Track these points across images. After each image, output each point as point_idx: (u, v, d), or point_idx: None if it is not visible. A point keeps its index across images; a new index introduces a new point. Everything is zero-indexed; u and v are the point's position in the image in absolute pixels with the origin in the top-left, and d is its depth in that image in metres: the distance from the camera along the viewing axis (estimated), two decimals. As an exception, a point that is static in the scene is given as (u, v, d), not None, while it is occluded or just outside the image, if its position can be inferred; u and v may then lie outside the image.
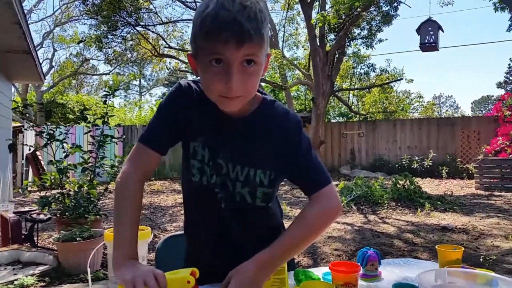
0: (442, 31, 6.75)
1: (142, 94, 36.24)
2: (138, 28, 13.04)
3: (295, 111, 14.15)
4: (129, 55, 18.24)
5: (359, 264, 1.15)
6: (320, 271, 1.27)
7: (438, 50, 6.94)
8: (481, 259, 4.13)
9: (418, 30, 6.74)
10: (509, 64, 35.01)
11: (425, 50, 6.93)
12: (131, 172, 1.20)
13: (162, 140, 1.22)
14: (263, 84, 13.85)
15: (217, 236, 1.25)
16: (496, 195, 8.67)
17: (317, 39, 11.59)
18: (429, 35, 6.54)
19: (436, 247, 1.29)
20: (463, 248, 1.26)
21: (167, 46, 14.20)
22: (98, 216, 4.57)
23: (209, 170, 1.19)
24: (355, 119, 16.99)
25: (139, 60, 20.61)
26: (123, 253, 1.09)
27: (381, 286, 1.12)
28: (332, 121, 17.58)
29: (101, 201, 5.39)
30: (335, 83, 13.76)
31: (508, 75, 34.61)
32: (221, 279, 1.11)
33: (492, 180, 9.60)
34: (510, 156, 10.24)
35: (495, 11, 8.79)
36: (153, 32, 14.06)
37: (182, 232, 1.45)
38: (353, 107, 18.60)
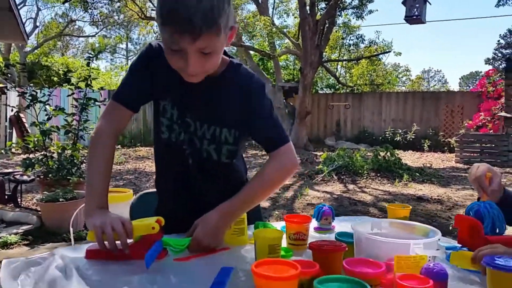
0: (429, 3, 6.75)
1: (129, 58, 35.59)
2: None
3: (283, 80, 14.14)
4: (116, 17, 17.82)
5: (311, 217, 1.26)
6: (280, 225, 1.37)
7: (424, 23, 6.96)
8: (450, 227, 4.34)
9: (404, 2, 6.75)
10: (498, 41, 35.15)
11: (411, 23, 6.95)
12: (104, 127, 1.28)
13: (134, 97, 1.29)
14: (251, 52, 13.76)
15: (185, 190, 1.35)
16: (474, 169, 8.95)
17: (307, 8, 11.46)
18: (415, 8, 6.56)
19: (386, 205, 1.41)
20: (410, 207, 1.38)
21: (154, 8, 13.90)
22: (81, 179, 4.64)
23: (177, 127, 1.27)
24: (342, 91, 17.05)
25: (126, 22, 20.16)
26: (94, 202, 1.18)
27: (331, 236, 1.23)
28: (320, 92, 17.61)
29: (84, 164, 5.45)
30: (324, 53, 13.72)
31: (496, 52, 34.78)
32: (187, 230, 1.21)
33: (472, 154, 9.85)
34: (491, 131, 10.49)
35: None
36: (140, -7, 13.73)
37: (155, 190, 1.54)
38: (341, 78, 18.62)
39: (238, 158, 1.39)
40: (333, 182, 7.04)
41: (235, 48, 13.95)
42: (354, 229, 0.94)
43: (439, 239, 0.94)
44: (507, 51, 32.37)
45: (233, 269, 0.99)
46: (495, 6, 13.62)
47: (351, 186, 6.74)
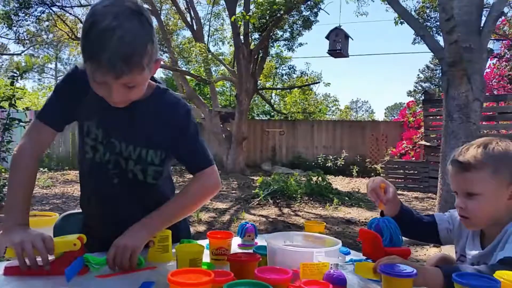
0: (352, 38, 7.33)
1: (58, 78, 34.02)
2: (54, 9, 12.28)
3: (220, 106, 14.30)
4: (45, 36, 17.08)
5: (232, 233, 1.34)
6: (206, 243, 1.43)
7: (347, 56, 7.50)
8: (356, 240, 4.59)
9: (327, 37, 7.28)
10: (418, 75, 38.35)
11: (335, 56, 7.46)
12: (26, 145, 1.29)
13: (57, 117, 1.31)
14: (187, 77, 13.81)
15: (109, 209, 1.36)
16: (399, 194, 9.30)
17: (241, 37, 11.82)
18: (337, 42, 7.08)
19: (303, 222, 1.52)
20: (324, 223, 1.51)
21: (87, 30, 13.57)
22: (2, 202, 4.35)
23: (102, 148, 1.30)
24: (277, 118, 17.57)
25: (55, 42, 19.36)
26: (13, 219, 1.17)
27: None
28: (256, 118, 18.01)
29: (6, 188, 5.11)
30: (258, 81, 14.14)
31: (417, 85, 37.86)
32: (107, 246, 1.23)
33: (396, 180, 10.42)
34: (413, 158, 11.24)
35: (396, 25, 9.63)
36: (70, 14, 13.32)
37: (80, 210, 1.54)
38: (275, 106, 19.22)
39: (165, 178, 1.43)
40: (269, 206, 7.17)
41: (171, 72, 13.92)
42: (268, 242, 1.03)
43: (340, 248, 1.05)
44: (426, 84, 35.36)
45: (154, 283, 1.03)
46: (412, 43, 14.95)
47: (285, 210, 6.91)
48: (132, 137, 1.30)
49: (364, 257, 1.28)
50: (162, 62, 1.27)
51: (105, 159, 1.30)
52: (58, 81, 1.47)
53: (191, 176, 1.39)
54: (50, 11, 12.35)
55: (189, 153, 1.35)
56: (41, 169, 10.83)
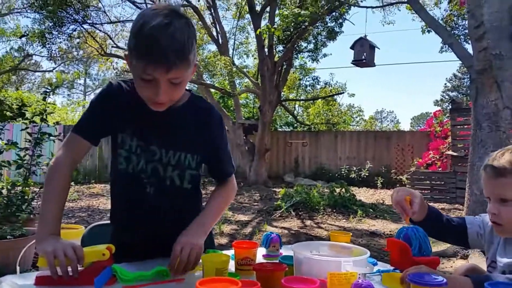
0: (378, 48, 7.28)
1: (87, 93, 35.01)
2: (85, 26, 12.71)
3: (243, 118, 14.40)
4: (75, 53, 17.65)
5: (257, 243, 1.33)
6: (231, 253, 1.43)
7: (372, 66, 7.45)
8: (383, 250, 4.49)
9: (352, 47, 7.26)
10: (445, 84, 37.62)
11: (361, 66, 7.41)
12: (62, 158, 1.33)
13: (93, 130, 1.37)
14: (212, 90, 13.98)
15: (141, 219, 1.39)
16: (425, 205, 9.30)
17: (266, 49, 11.91)
18: (362, 53, 7.06)
19: (326, 234, 1.51)
20: (351, 234, 1.48)
21: (114, 45, 13.95)
22: (31, 215, 4.47)
23: (136, 158, 1.35)
24: (300, 129, 17.52)
25: (85, 58, 19.98)
26: (47, 229, 1.21)
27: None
28: (279, 129, 18.01)
29: (37, 201, 5.26)
30: (282, 93, 14.17)
31: (444, 94, 37.13)
32: (142, 258, 1.28)
33: (422, 191, 10.20)
34: (439, 169, 11.00)
35: (423, 33, 9.54)
36: (100, 31, 13.73)
37: (108, 221, 1.57)
38: (298, 117, 19.18)
39: (197, 184, 1.48)
40: (291, 218, 7.12)
41: (196, 86, 14.14)
42: (294, 251, 1.03)
43: (367, 258, 1.04)
44: (453, 93, 34.65)
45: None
46: (439, 52, 14.74)
47: (308, 222, 6.84)
48: (172, 142, 1.36)
49: (392, 267, 1.25)
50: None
51: (138, 169, 1.35)
52: (93, 96, 1.54)
53: (212, 188, 1.52)
54: (82, 28, 12.79)
55: (220, 160, 1.46)
56: (69, 182, 11.08)
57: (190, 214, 1.37)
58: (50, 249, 1.09)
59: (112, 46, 14.29)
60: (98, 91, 1.46)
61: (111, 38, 13.81)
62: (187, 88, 1.41)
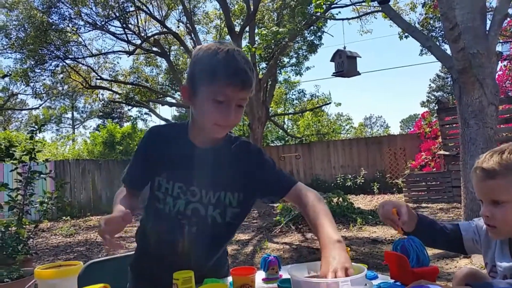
0: (359, 57, 7.38)
1: (76, 127, 34.89)
2: (67, 61, 12.76)
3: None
4: (60, 88, 17.65)
5: (254, 268, 1.32)
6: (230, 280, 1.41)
7: (355, 75, 7.53)
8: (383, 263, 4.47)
9: (332, 60, 7.37)
10: (429, 85, 38.16)
11: (343, 76, 7.51)
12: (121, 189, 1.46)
13: (136, 180, 1.46)
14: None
15: (176, 257, 1.42)
16: (424, 207, 9.31)
17: (250, 68, 12.01)
18: (341, 64, 7.18)
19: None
20: (348, 248, 1.47)
21: (98, 77, 13.99)
22: (28, 255, 4.40)
23: (171, 200, 1.38)
24: (292, 142, 17.58)
25: (70, 92, 19.98)
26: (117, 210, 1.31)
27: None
28: (271, 145, 18.06)
29: (33, 240, 5.19)
30: (270, 108, 14.24)
31: (429, 94, 37.61)
32: (159, 283, 1.34)
33: (419, 193, 10.23)
34: (433, 169, 11.05)
35: (400, 39, 9.73)
36: (83, 64, 13.78)
37: (104, 258, 1.57)
38: (288, 130, 19.28)
39: (240, 221, 1.50)
40: (291, 233, 7.08)
41: (183, 109, 14.17)
42: (290, 274, 1.02)
43: (365, 275, 1.03)
44: (438, 93, 35.10)
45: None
46: (419, 54, 15.01)
47: (309, 235, 6.80)
48: (211, 182, 1.39)
49: (393, 280, 1.24)
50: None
51: (174, 210, 1.38)
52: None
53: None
54: (64, 63, 12.83)
55: (275, 179, 1.42)
56: (64, 217, 10.96)
57: (223, 248, 1.51)
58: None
59: (96, 78, 14.33)
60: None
61: (94, 71, 13.87)
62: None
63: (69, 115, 34.29)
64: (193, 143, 1.39)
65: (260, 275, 1.43)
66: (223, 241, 1.51)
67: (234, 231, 1.52)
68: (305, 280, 0.97)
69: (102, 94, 16.10)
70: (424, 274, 1.12)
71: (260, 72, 12.81)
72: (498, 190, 1.19)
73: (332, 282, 0.93)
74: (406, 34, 7.10)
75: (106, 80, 14.49)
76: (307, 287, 0.96)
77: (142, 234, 1.52)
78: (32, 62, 12.25)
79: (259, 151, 1.49)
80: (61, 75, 13.95)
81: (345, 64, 7.16)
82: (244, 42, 12.23)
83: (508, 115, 8.56)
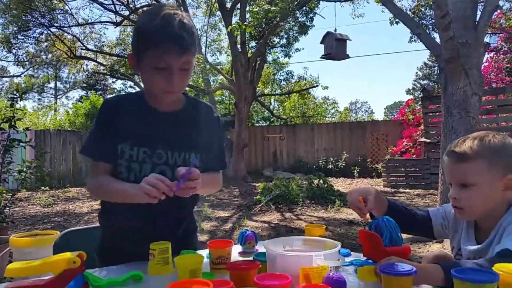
0: (349, 39, 7.36)
1: (58, 97, 34.19)
2: (52, 29, 12.39)
3: (220, 115, 14.37)
4: (44, 57, 17.19)
5: (231, 241, 1.33)
6: (206, 252, 1.42)
7: (344, 58, 7.53)
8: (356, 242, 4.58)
9: (322, 42, 7.34)
10: (416, 73, 38.40)
11: (332, 59, 7.50)
12: (93, 183, 1.44)
13: (107, 151, 1.41)
14: (186, 88, 13.87)
15: (143, 223, 1.42)
16: (401, 192, 9.50)
17: (239, 46, 11.88)
18: (330, 46, 7.16)
19: (304, 226, 1.52)
20: (324, 226, 1.50)
21: (84, 48, 13.65)
22: (4, 223, 4.35)
23: (137, 166, 1.38)
24: (277, 123, 17.59)
25: (54, 61, 19.49)
26: (132, 187, 1.29)
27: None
28: (256, 125, 18.04)
29: (10, 209, 5.12)
30: (257, 88, 14.18)
31: (415, 82, 37.89)
32: (130, 260, 1.32)
33: (398, 178, 10.43)
34: (414, 156, 11.23)
35: (391, 25, 9.72)
36: (68, 33, 13.41)
37: (81, 227, 1.56)
38: (274, 111, 19.25)
39: None
40: (271, 212, 7.16)
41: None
42: (266, 248, 1.03)
43: (339, 250, 1.05)
44: (424, 81, 35.38)
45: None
46: (408, 42, 15.05)
47: (287, 215, 6.89)
48: (176, 144, 1.41)
49: (365, 258, 1.27)
50: None
51: (141, 176, 1.34)
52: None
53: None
54: (49, 32, 12.46)
55: (216, 155, 1.50)
56: (42, 188, 10.84)
57: (189, 216, 1.49)
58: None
59: (81, 49, 13.98)
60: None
61: (80, 41, 13.52)
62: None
63: (52, 84, 33.57)
64: (154, 108, 1.40)
65: (236, 248, 1.44)
66: (189, 206, 1.54)
67: (199, 195, 1.54)
68: (280, 253, 0.99)
69: (86, 64, 15.76)
70: (395, 253, 1.15)
71: (250, 51, 12.68)
72: (466, 173, 1.25)
73: (305, 256, 0.95)
74: (397, 20, 7.08)
75: (92, 50, 14.13)
76: (281, 260, 0.97)
77: (106, 213, 1.51)
78: (15, 28, 11.85)
79: (217, 120, 1.53)
80: (45, 43, 13.56)
81: (334, 47, 7.15)
82: (235, 19, 12.04)
83: (490, 106, 8.71)
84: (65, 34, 13.56)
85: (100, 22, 14.79)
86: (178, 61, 1.25)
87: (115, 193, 1.36)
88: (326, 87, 15.26)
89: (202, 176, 1.34)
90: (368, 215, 1.38)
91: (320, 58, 7.31)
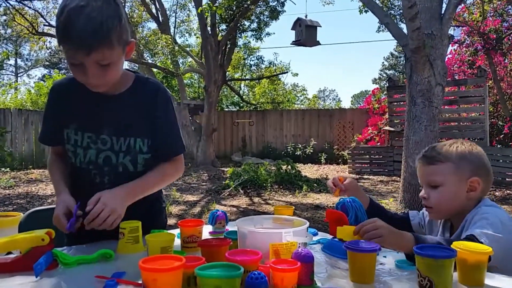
0: (320, 26, 7.41)
1: (19, 75, 32.76)
2: (11, 2, 11.76)
3: (188, 98, 14.17)
4: (2, 31, 16.37)
5: (202, 220, 1.35)
6: (177, 232, 1.44)
7: (314, 45, 7.59)
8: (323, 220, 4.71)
9: (293, 28, 7.36)
10: (383, 62, 39.18)
11: (301, 45, 7.54)
12: (52, 157, 1.47)
13: (53, 135, 1.43)
14: (154, 70, 13.58)
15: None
16: (365, 178, 9.76)
17: (209, 28, 11.71)
18: (300, 33, 7.19)
19: (274, 206, 1.56)
20: (293, 207, 1.55)
21: (47, 24, 13.05)
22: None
23: (82, 151, 1.36)
24: (247, 108, 17.58)
25: (14, 37, 18.59)
26: (57, 191, 1.37)
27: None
28: (225, 109, 17.96)
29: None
30: (227, 72, 14.07)
31: (382, 72, 38.68)
32: (89, 241, 1.32)
33: (362, 165, 10.72)
34: (378, 144, 11.54)
35: (360, 13, 9.85)
36: (30, 8, 12.77)
37: (47, 206, 1.55)
38: (244, 96, 19.22)
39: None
40: (240, 196, 7.21)
41: (137, 65, 13.67)
42: (238, 226, 1.06)
43: (308, 228, 1.09)
44: (390, 71, 36.17)
45: (125, 273, 1.03)
46: (376, 31, 15.29)
47: (256, 199, 6.97)
48: (121, 129, 1.36)
49: (331, 236, 1.32)
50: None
51: (86, 161, 1.37)
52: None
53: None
54: (8, 4, 11.82)
55: (165, 138, 1.42)
56: (3, 169, 10.44)
57: (144, 198, 1.40)
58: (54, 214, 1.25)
59: (44, 25, 13.36)
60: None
61: (42, 16, 12.89)
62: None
63: (12, 61, 32.10)
64: (97, 91, 1.32)
65: (207, 228, 1.46)
66: None
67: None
68: (251, 230, 1.02)
69: (50, 42, 15.08)
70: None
71: (220, 34, 12.53)
72: (435, 175, 1.36)
73: (276, 232, 0.98)
74: (366, 9, 7.19)
75: (55, 27, 13.52)
76: (252, 237, 1.00)
77: (71, 194, 1.48)
78: (-29, -1, 11.20)
79: (166, 99, 1.43)
80: (4, 17, 12.89)
81: (304, 33, 7.18)
82: (205, 0, 11.86)
83: (453, 97, 9.05)
84: (26, 8, 12.91)
85: (65, -2, 14.11)
86: (88, 57, 1.16)
87: (53, 184, 1.41)
88: (296, 74, 15.39)
89: (143, 179, 1.34)
90: (338, 192, 1.47)
91: (291, 44, 7.34)
